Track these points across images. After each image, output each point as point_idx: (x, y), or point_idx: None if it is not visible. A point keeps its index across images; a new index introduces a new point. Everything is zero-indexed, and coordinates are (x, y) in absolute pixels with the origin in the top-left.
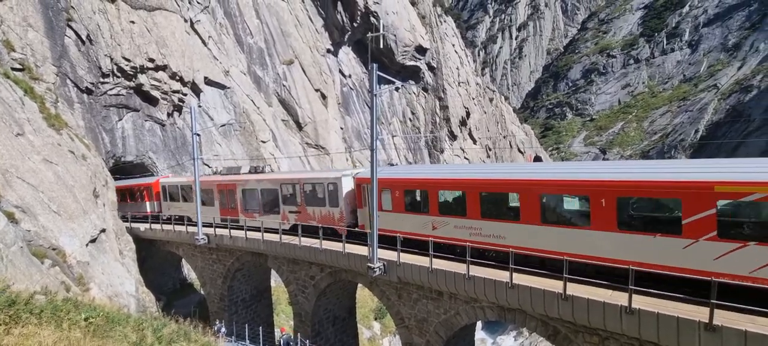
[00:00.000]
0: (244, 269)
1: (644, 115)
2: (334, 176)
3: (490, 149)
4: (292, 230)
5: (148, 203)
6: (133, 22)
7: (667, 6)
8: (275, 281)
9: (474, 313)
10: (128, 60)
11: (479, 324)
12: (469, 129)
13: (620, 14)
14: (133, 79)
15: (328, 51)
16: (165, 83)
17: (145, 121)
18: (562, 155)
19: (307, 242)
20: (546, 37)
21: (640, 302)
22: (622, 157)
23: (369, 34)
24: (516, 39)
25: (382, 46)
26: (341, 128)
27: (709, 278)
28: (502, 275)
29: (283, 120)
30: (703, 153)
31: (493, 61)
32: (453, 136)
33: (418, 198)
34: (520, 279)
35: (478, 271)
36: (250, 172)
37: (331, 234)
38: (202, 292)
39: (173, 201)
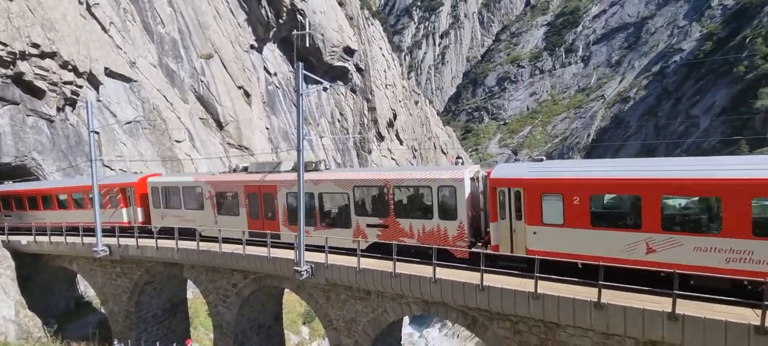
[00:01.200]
0: (155, 282)
1: (548, 120)
2: (452, 175)
3: (415, 150)
4: (371, 250)
5: (124, 211)
6: None
7: (565, 24)
8: (192, 292)
9: (400, 309)
10: (4, 44)
11: (406, 320)
12: (396, 130)
13: (528, 29)
14: (12, 67)
15: (252, 47)
16: (54, 73)
17: (28, 116)
18: (480, 156)
19: (228, 248)
20: (466, 45)
21: (544, 288)
22: (531, 158)
23: (295, 32)
24: (439, 46)
25: (309, 45)
26: (267, 128)
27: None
28: (425, 271)
29: (201, 118)
30: (593, 154)
31: (418, 66)
32: (381, 138)
33: (621, 207)
34: (442, 274)
35: (403, 268)
36: (294, 169)
37: (440, 257)
38: (103, 310)
39: (170, 208)
